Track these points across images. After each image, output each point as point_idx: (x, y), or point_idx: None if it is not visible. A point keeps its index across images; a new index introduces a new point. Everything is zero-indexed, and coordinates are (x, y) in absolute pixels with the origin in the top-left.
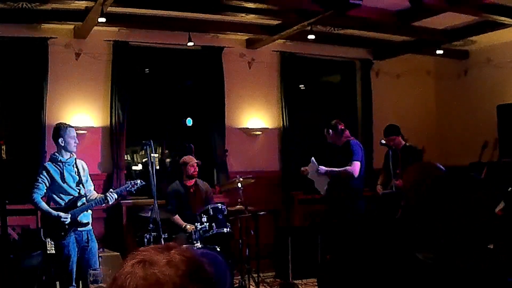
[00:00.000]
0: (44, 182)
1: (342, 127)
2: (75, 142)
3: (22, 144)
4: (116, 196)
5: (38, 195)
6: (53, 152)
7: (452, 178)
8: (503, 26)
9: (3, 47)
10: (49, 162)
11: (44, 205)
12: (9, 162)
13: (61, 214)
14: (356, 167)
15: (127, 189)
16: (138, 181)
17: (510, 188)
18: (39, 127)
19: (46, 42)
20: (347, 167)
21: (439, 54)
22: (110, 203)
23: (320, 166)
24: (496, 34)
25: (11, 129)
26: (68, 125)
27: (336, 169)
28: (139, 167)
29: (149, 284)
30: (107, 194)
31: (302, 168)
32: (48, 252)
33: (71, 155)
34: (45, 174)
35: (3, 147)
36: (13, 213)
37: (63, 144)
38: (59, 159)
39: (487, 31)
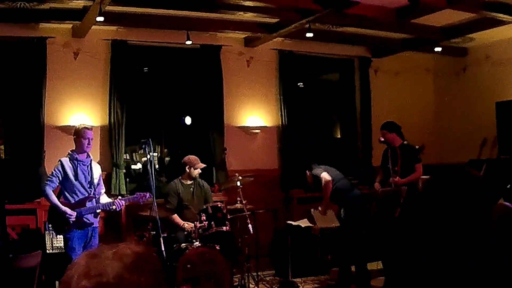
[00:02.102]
0: (57, 176)
1: None
2: (88, 144)
3: (21, 144)
4: (124, 203)
5: (50, 188)
6: (71, 149)
7: (451, 176)
8: (502, 23)
9: (1, 47)
10: (65, 158)
11: (54, 198)
12: (7, 162)
13: (68, 210)
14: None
15: (136, 199)
16: (147, 194)
17: (509, 185)
18: (38, 127)
19: (44, 41)
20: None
21: (437, 52)
22: (118, 209)
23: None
24: (495, 31)
25: (10, 128)
26: (85, 127)
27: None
28: (138, 166)
29: (90, 274)
30: (116, 200)
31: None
32: (48, 251)
33: (87, 156)
34: (60, 168)
35: (2, 146)
36: (12, 213)
37: (75, 143)
38: (75, 156)
39: (485, 29)
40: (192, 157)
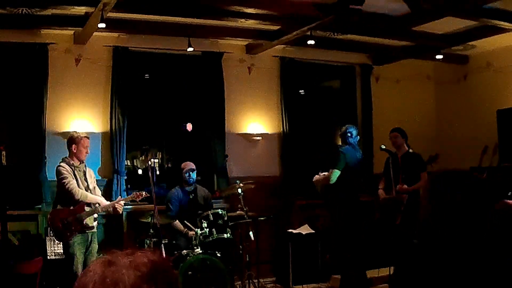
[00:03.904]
0: (70, 175)
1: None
2: (86, 152)
3: (22, 150)
4: (123, 204)
5: (76, 186)
6: (64, 156)
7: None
8: (503, 31)
9: (3, 52)
10: (62, 163)
11: (90, 194)
12: (9, 168)
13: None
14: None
15: (133, 198)
16: (144, 192)
17: (510, 192)
18: (39, 133)
19: (46, 47)
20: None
21: (439, 59)
22: (119, 211)
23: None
24: (496, 38)
25: (11, 134)
26: (85, 136)
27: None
28: (140, 172)
29: (106, 282)
30: (116, 203)
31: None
32: (48, 257)
33: (82, 162)
34: (67, 170)
35: (3, 152)
36: (13, 219)
37: (75, 151)
38: (71, 162)
39: (487, 36)
40: (186, 163)
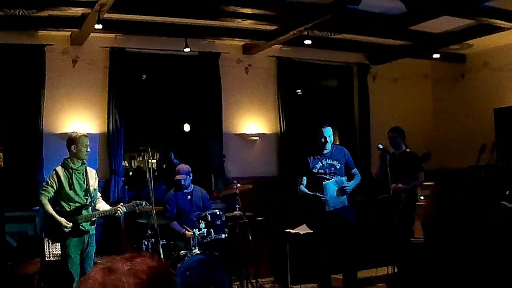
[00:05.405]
0: (52, 186)
1: None
2: (87, 151)
3: (19, 151)
4: (126, 210)
5: (45, 197)
6: (65, 157)
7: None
8: (500, 29)
9: (0, 54)
10: (60, 167)
11: (49, 208)
12: (6, 169)
13: (63, 221)
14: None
15: (132, 207)
16: (143, 202)
17: (508, 191)
18: (37, 134)
19: (43, 49)
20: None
21: (436, 58)
22: (121, 217)
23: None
24: (493, 37)
25: (8, 136)
26: (83, 134)
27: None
28: (137, 173)
29: None
30: (118, 208)
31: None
32: (46, 259)
33: (82, 163)
34: (55, 178)
35: (1, 154)
36: (11, 220)
37: (75, 151)
38: (70, 165)
39: (484, 35)
40: (177, 168)
